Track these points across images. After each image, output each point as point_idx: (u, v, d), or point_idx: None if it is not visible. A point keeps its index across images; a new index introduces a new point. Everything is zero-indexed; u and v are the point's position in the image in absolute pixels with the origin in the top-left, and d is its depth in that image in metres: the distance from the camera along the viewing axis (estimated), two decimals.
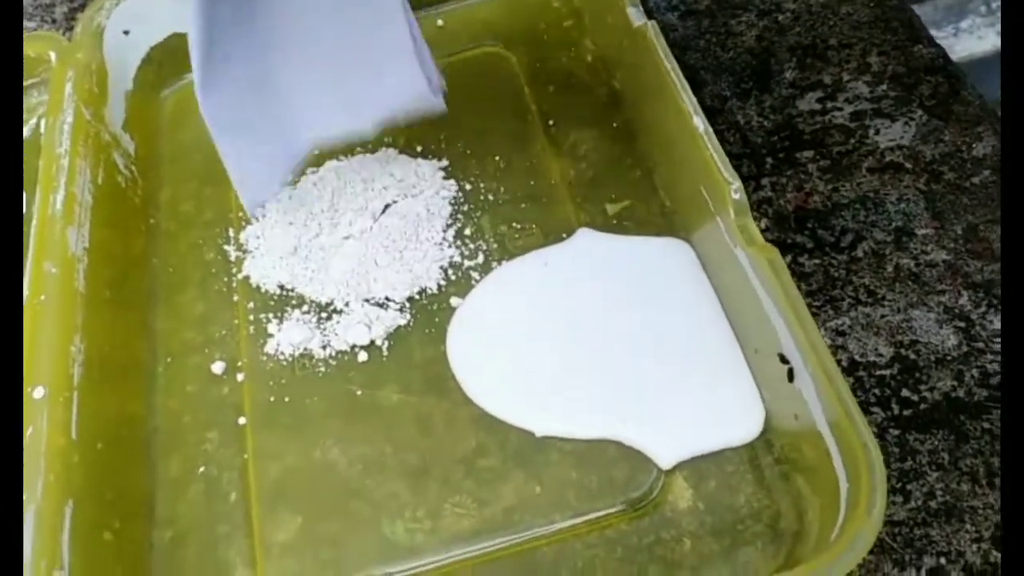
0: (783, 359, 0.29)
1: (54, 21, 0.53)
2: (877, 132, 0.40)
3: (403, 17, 0.35)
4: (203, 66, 0.33)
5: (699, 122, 0.33)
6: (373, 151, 0.42)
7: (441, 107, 0.36)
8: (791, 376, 0.29)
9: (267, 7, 0.34)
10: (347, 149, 0.42)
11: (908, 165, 0.39)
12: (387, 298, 0.37)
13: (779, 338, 0.29)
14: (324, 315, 0.37)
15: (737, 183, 0.31)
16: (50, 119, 0.39)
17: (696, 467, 0.32)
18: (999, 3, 0.88)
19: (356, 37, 0.35)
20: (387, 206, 0.40)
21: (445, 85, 0.36)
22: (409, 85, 0.35)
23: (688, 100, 0.34)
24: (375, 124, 0.39)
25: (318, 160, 0.41)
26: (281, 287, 0.38)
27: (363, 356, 0.36)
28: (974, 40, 0.87)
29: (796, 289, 0.29)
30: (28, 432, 0.30)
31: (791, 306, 0.28)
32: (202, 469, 0.35)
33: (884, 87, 0.42)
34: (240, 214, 0.41)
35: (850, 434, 0.26)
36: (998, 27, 0.87)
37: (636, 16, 0.38)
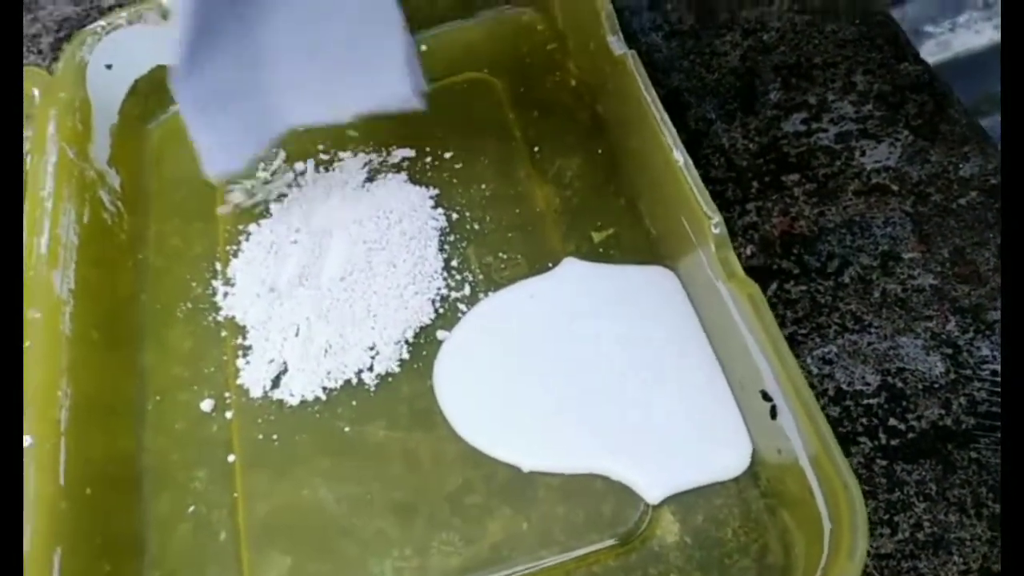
0: (765, 396, 0.29)
1: (40, 52, 0.53)
2: (863, 153, 0.40)
3: (400, 24, 0.35)
4: (191, 39, 0.33)
5: (679, 155, 0.33)
6: (371, 178, 0.42)
7: (420, 106, 0.36)
8: (774, 413, 0.29)
9: None
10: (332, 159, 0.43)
11: (894, 187, 0.39)
12: (381, 335, 0.37)
13: (761, 375, 0.29)
14: (313, 352, 0.37)
15: (717, 218, 0.31)
16: (34, 159, 0.39)
17: (683, 501, 0.32)
18: None
19: (350, 33, 0.36)
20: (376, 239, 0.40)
21: (424, 85, 0.37)
22: (395, 87, 0.36)
23: (668, 133, 0.34)
24: (352, 116, 0.38)
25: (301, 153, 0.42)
26: (262, 323, 0.38)
27: (351, 392, 0.36)
28: (971, 35, 0.86)
29: (776, 326, 0.29)
30: None
31: (771, 344, 0.28)
32: (192, 508, 0.35)
33: (869, 107, 0.42)
34: (228, 247, 0.42)
35: (831, 474, 0.26)
36: (995, 21, 0.86)
37: (616, 45, 0.38)
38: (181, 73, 0.34)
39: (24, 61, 0.53)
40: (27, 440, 0.31)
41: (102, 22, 0.44)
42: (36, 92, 0.42)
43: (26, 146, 0.45)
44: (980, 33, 0.86)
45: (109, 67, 0.45)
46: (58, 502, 0.31)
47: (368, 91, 0.36)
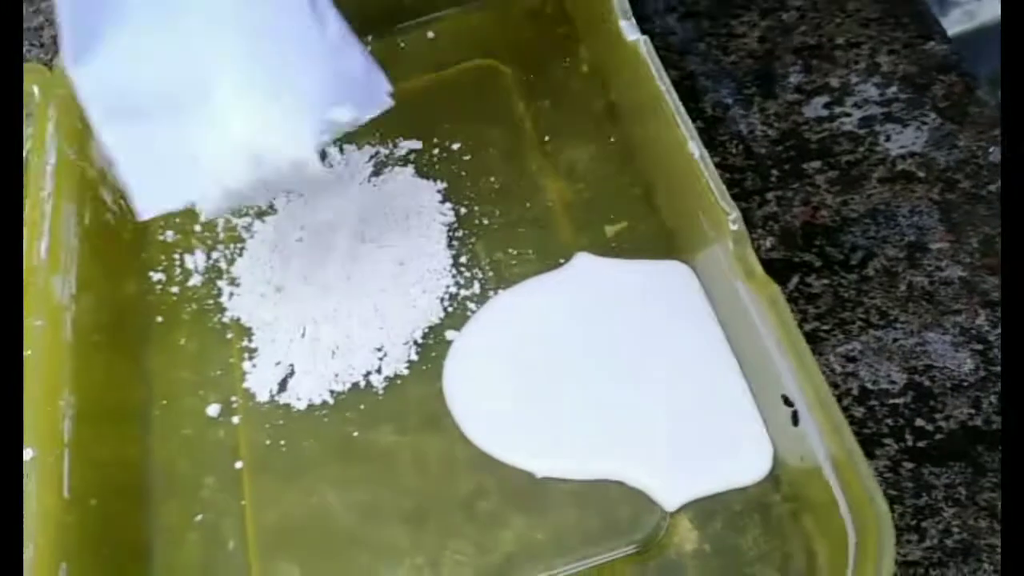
0: (787, 401, 0.28)
1: (42, 45, 0.52)
2: (888, 139, 0.38)
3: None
4: (78, 19, 0.25)
5: (694, 147, 0.31)
6: (377, 171, 0.41)
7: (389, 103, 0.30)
8: (795, 419, 0.28)
9: None
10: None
11: (921, 174, 0.37)
12: (389, 336, 0.36)
13: (781, 379, 0.28)
14: (320, 353, 0.36)
15: (735, 213, 0.30)
16: (34, 159, 0.38)
17: (702, 507, 0.31)
18: None
19: (302, 26, 0.29)
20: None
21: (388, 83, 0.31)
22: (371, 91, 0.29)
23: (683, 123, 0.32)
24: (319, 136, 0.30)
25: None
26: (268, 324, 0.37)
27: (359, 395, 0.35)
28: (998, 4, 0.83)
29: (797, 329, 0.27)
30: None
31: (792, 348, 0.27)
32: (199, 516, 0.34)
33: (894, 89, 0.40)
34: (233, 246, 0.41)
35: (856, 486, 0.25)
36: None
37: (629, 30, 0.36)
38: (73, 60, 0.25)
39: (26, 55, 0.52)
40: (29, 452, 0.30)
41: None
42: (36, 89, 0.41)
43: (26, 145, 0.44)
44: None
45: None
46: (62, 515, 0.30)
47: (332, 94, 0.29)
